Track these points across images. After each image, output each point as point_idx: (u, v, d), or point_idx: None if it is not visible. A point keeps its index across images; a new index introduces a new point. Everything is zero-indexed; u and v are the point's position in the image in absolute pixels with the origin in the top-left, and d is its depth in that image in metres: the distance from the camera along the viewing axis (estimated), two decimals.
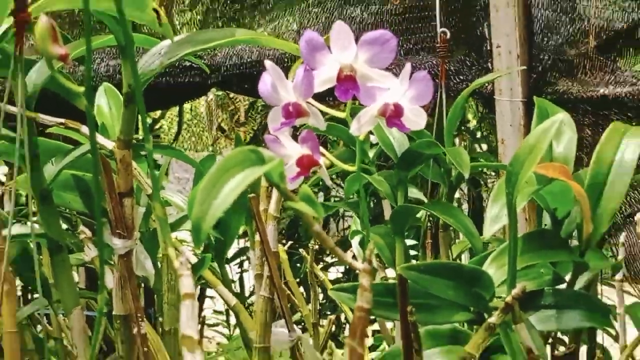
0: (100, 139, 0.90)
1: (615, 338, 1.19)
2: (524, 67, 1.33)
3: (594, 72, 1.32)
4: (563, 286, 0.95)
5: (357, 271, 0.66)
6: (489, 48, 1.38)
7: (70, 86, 0.80)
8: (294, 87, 0.75)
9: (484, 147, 1.77)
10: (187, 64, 1.42)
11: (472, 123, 1.83)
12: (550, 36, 1.37)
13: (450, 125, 1.14)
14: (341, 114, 0.79)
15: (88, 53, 0.74)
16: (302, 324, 1.17)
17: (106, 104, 1.06)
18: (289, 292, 1.11)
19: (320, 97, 0.77)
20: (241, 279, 2.09)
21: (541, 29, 1.36)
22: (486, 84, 1.38)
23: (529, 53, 1.35)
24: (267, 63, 0.76)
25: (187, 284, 0.59)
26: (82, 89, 0.78)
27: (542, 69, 1.36)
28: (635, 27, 1.31)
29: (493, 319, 0.76)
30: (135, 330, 0.93)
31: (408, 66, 0.76)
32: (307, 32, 0.74)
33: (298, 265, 1.85)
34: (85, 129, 0.96)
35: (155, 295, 1.00)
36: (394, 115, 0.76)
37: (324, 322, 1.24)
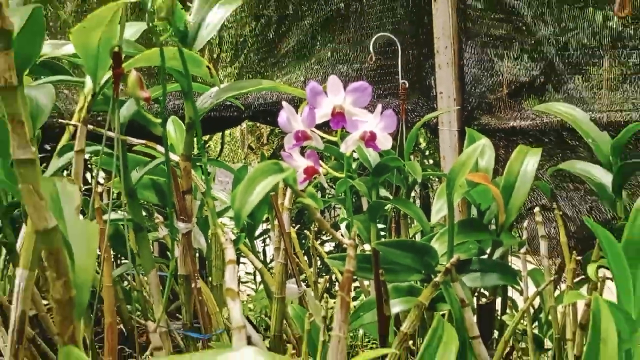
0: (170, 154, 0.92)
1: (521, 292, 1.21)
2: (458, 107, 1.36)
3: (507, 111, 1.35)
4: (485, 257, 0.98)
5: (345, 245, 0.69)
6: (434, 94, 1.41)
7: (150, 118, 0.82)
8: (302, 120, 0.78)
9: (431, 161, 1.80)
10: (228, 103, 1.44)
11: (423, 145, 1.85)
12: (477, 86, 1.40)
13: (408, 146, 1.16)
14: (334, 138, 0.81)
15: (163, 96, 0.77)
16: (306, 281, 1.19)
17: (173, 130, 1.08)
18: (297, 259, 1.13)
19: (319, 127, 0.80)
20: (264, 251, 2.10)
21: (470, 81, 1.39)
22: (432, 119, 1.41)
23: (462, 97, 1.38)
24: (284, 103, 0.79)
25: (230, 253, 0.62)
26: (158, 120, 0.80)
27: (471, 108, 1.39)
28: (534, 81, 1.34)
29: (438, 279, 0.78)
30: (193, 286, 0.96)
31: (379, 107, 0.79)
32: (311, 82, 0.77)
33: (303, 241, 1.85)
34: (160, 148, 0.99)
35: (207, 261, 1.02)
36: (370, 139, 0.79)
37: (321, 280, 1.27)
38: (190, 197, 0.93)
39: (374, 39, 1.18)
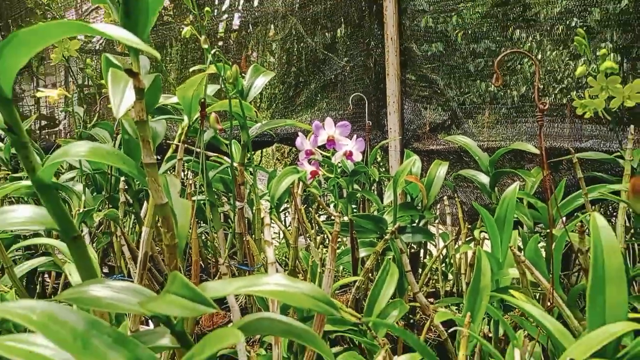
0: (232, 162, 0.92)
1: (435, 246, 1.21)
2: (399, 137, 1.36)
3: (428, 140, 1.35)
4: (414, 224, 0.98)
5: (333, 217, 0.69)
6: (386, 129, 1.41)
7: (221, 141, 0.82)
8: (311, 142, 0.79)
9: (383, 169, 1.81)
10: (265, 133, 1.44)
11: (379, 159, 1.86)
12: (410, 125, 1.40)
13: (371, 159, 1.16)
14: (328, 154, 0.82)
15: (230, 128, 0.78)
16: (309, 238, 1.19)
17: (234, 147, 1.08)
18: (304, 225, 1.13)
19: (320, 147, 0.81)
20: (285, 220, 2.11)
21: (407, 122, 1.39)
22: (385, 144, 1.41)
23: (402, 132, 1.38)
24: (299, 134, 0.80)
25: (266, 220, 0.63)
26: (226, 142, 0.81)
27: (407, 138, 1.39)
28: (444, 122, 1.34)
29: (387, 237, 0.78)
30: (244, 239, 0.96)
31: (355, 136, 0.80)
32: (315, 122, 0.78)
33: (308, 214, 1.85)
34: (227, 158, 0.99)
35: (252, 225, 1.03)
36: (349, 155, 0.79)
37: (318, 238, 1.27)
38: (243, 187, 0.94)
39: (352, 96, 1.19)
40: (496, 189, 1.00)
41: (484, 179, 0.99)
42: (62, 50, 1.18)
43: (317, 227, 1.34)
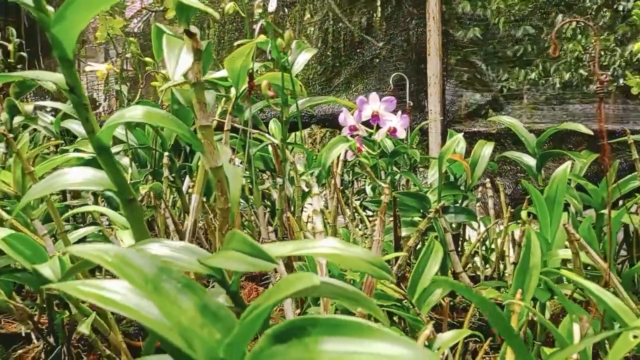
0: (273, 139, 0.93)
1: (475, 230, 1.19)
2: (441, 118, 1.34)
3: (470, 121, 1.33)
4: (457, 205, 0.96)
5: (381, 190, 0.68)
6: (426, 111, 1.39)
7: (259, 120, 0.83)
8: (354, 118, 0.78)
9: (421, 151, 1.79)
10: (303, 113, 1.44)
11: (416, 141, 1.84)
12: (452, 106, 1.38)
13: (411, 140, 1.15)
14: (371, 130, 0.81)
15: (282, 96, 0.77)
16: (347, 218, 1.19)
17: (274, 125, 1.08)
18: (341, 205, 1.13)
19: (362, 123, 0.80)
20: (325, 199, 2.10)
21: (448, 103, 1.37)
22: (425, 125, 1.39)
23: (443, 113, 1.36)
24: (343, 108, 0.79)
25: (315, 189, 0.63)
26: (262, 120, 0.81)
27: (448, 120, 1.37)
28: (485, 105, 1.32)
29: (431, 215, 0.77)
30: (284, 215, 0.97)
31: (399, 113, 0.79)
32: (360, 97, 0.77)
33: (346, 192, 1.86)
34: (268, 136, 1.00)
35: (291, 202, 1.03)
36: (393, 131, 0.79)
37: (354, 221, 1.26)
38: (284, 164, 0.94)
39: (392, 76, 1.18)
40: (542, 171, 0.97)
41: (530, 160, 0.96)
42: (106, 29, 1.20)
43: (353, 210, 1.34)
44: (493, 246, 1.15)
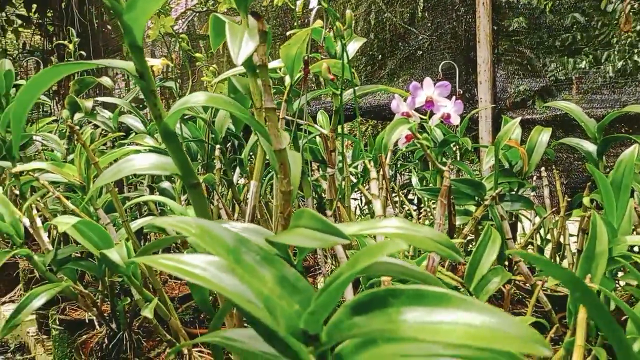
0: (322, 129, 0.93)
1: (529, 220, 1.16)
2: (492, 106, 1.31)
3: (523, 109, 1.29)
4: (513, 193, 0.94)
5: (444, 174, 0.66)
6: (476, 99, 1.36)
7: (304, 112, 0.83)
8: (408, 104, 0.77)
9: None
10: (348, 106, 1.42)
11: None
12: (503, 93, 1.34)
13: (461, 129, 1.13)
14: (424, 117, 0.80)
15: (341, 82, 0.77)
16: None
17: (322, 117, 1.08)
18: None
19: (416, 110, 0.79)
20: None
21: (499, 91, 1.33)
22: (475, 114, 1.36)
23: (494, 101, 1.32)
24: (396, 95, 0.79)
25: (372, 174, 0.62)
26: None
27: (499, 108, 1.34)
28: (537, 92, 1.28)
29: (487, 202, 0.76)
30: (334, 205, 0.97)
31: (454, 97, 0.78)
32: (413, 82, 0.76)
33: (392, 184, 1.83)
34: (317, 126, 1.00)
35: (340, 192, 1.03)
36: (447, 117, 0.77)
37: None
38: (334, 154, 0.94)
39: (441, 64, 1.16)
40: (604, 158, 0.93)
41: (590, 147, 0.92)
42: (158, 27, 1.24)
43: (401, 201, 1.32)
44: (548, 237, 1.11)
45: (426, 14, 1.44)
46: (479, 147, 1.31)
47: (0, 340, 1.27)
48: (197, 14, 3.40)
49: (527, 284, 0.76)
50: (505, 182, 0.89)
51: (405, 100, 0.78)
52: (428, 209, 1.44)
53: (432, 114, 0.78)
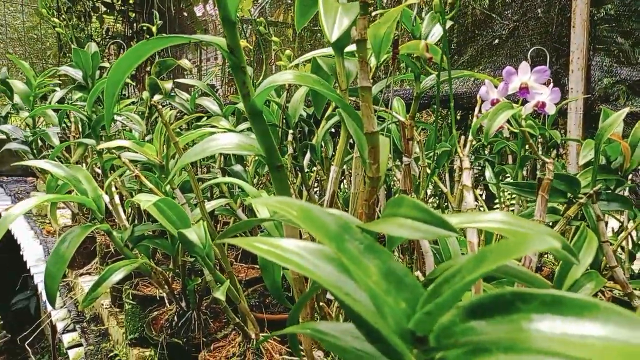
0: (399, 117, 0.89)
1: (620, 223, 1.07)
2: (584, 97, 1.21)
3: (618, 100, 1.18)
4: (609, 191, 0.86)
5: (547, 164, 0.61)
6: (566, 89, 1.27)
7: (379, 100, 0.79)
8: (498, 91, 0.72)
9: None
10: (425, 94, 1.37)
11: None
12: (597, 84, 1.23)
13: (550, 120, 1.05)
14: (516, 105, 0.74)
15: (440, 65, 0.73)
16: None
17: (397, 104, 1.04)
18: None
19: (507, 98, 0.74)
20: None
21: (593, 81, 1.23)
22: (564, 105, 1.27)
23: (586, 92, 1.22)
24: (486, 81, 0.73)
25: (465, 164, 0.59)
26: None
27: (592, 99, 1.23)
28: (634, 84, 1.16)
29: (582, 200, 0.70)
30: (409, 197, 0.93)
31: (551, 86, 0.72)
32: (508, 67, 0.71)
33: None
34: (394, 113, 0.96)
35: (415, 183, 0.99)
36: (541, 106, 0.71)
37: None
38: (411, 143, 0.90)
39: (530, 50, 1.08)
40: None
41: None
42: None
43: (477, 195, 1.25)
44: None
45: None
46: (564, 142, 1.22)
47: (81, 310, 1.34)
48: (269, 1, 3.42)
49: (626, 292, 0.69)
50: (601, 180, 0.81)
51: (496, 86, 0.72)
52: (504, 205, 1.36)
53: (524, 102, 0.72)
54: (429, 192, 1.83)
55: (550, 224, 0.80)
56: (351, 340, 0.27)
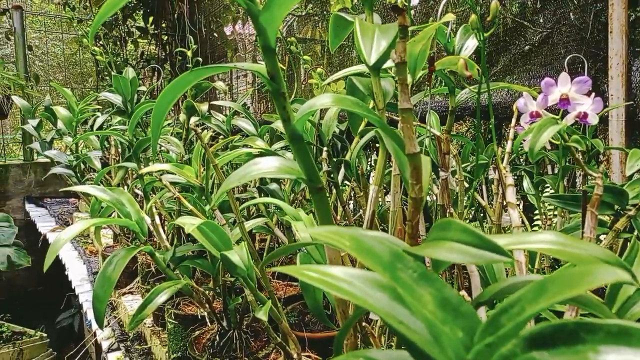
0: (435, 131, 0.88)
1: None
2: (626, 104, 1.17)
3: None
4: None
5: (595, 180, 0.59)
6: (606, 96, 1.23)
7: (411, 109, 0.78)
8: (537, 104, 0.70)
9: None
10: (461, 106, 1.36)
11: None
12: (637, 91, 1.19)
13: (591, 130, 1.02)
14: (556, 117, 0.73)
15: (483, 81, 0.73)
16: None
17: (432, 117, 1.03)
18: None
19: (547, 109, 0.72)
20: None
21: (635, 87, 1.19)
22: (605, 113, 1.23)
23: (628, 98, 1.18)
24: (524, 93, 0.72)
25: (509, 180, 0.57)
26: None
27: (635, 106, 1.19)
28: None
29: (631, 213, 0.67)
30: (447, 212, 0.92)
31: (593, 94, 0.70)
32: (546, 78, 0.69)
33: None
34: (428, 127, 0.96)
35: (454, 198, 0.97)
36: (583, 117, 0.70)
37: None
38: (448, 157, 0.89)
39: (567, 58, 1.05)
40: None
41: None
42: None
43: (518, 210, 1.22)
44: None
45: (545, 5, 1.33)
46: (604, 151, 1.18)
47: (129, 331, 1.37)
48: (297, 18, 3.47)
49: None
50: None
51: (534, 98, 0.71)
52: (545, 219, 1.32)
53: (565, 113, 0.70)
54: (465, 204, 1.80)
55: (597, 237, 0.78)
56: None
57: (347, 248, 0.24)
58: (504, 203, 0.99)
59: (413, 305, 0.23)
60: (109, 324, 1.40)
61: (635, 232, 0.73)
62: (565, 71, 1.13)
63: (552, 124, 0.57)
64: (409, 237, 0.48)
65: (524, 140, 0.79)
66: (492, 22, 0.59)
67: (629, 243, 0.68)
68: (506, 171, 0.54)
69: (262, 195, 1.17)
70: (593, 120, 0.70)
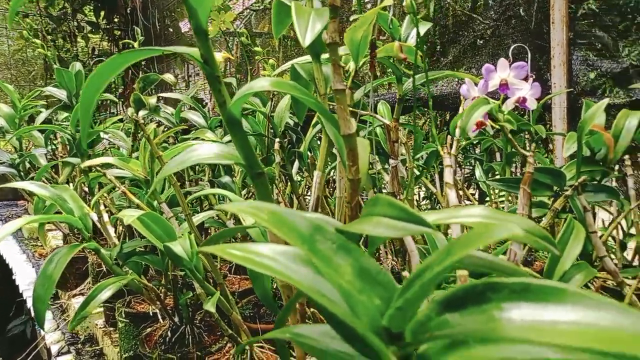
0: (384, 120, 0.90)
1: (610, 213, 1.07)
2: (567, 91, 1.22)
3: (601, 95, 1.19)
4: (594, 182, 0.86)
5: (528, 160, 0.61)
6: (549, 84, 1.27)
7: (364, 104, 0.79)
8: (478, 89, 0.72)
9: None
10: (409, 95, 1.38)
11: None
12: (580, 78, 1.24)
13: (534, 116, 1.06)
14: (497, 102, 0.75)
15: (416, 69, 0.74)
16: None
17: (382, 107, 1.05)
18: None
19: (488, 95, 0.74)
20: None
21: (576, 75, 1.24)
22: (548, 100, 1.27)
23: (569, 86, 1.23)
24: (466, 79, 0.74)
25: (446, 161, 0.59)
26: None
27: (575, 93, 1.24)
28: (617, 75, 1.18)
29: (568, 192, 0.70)
30: (398, 198, 0.94)
31: (531, 79, 0.72)
32: (487, 65, 0.71)
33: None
34: (379, 117, 0.97)
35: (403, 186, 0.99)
36: (522, 101, 0.72)
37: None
38: (397, 145, 0.90)
39: (511, 48, 1.09)
40: None
41: None
42: (219, 24, 1.25)
43: (464, 196, 1.26)
44: (632, 230, 1.02)
45: None
46: (548, 137, 1.23)
47: (71, 331, 1.33)
48: (255, 13, 3.44)
49: (616, 281, 0.70)
50: (586, 172, 0.81)
51: (476, 84, 0.73)
52: (495, 203, 1.37)
53: (505, 98, 0.72)
54: (422, 194, 1.83)
55: (538, 217, 0.81)
56: (330, 341, 0.27)
57: (264, 222, 0.24)
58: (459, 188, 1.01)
59: (330, 275, 0.24)
60: (58, 326, 1.36)
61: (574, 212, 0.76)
62: (510, 60, 1.17)
63: (483, 104, 0.59)
64: (350, 218, 0.49)
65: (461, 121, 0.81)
66: (427, 9, 0.60)
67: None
68: (444, 153, 0.56)
69: (215, 188, 1.16)
70: (532, 105, 0.72)
